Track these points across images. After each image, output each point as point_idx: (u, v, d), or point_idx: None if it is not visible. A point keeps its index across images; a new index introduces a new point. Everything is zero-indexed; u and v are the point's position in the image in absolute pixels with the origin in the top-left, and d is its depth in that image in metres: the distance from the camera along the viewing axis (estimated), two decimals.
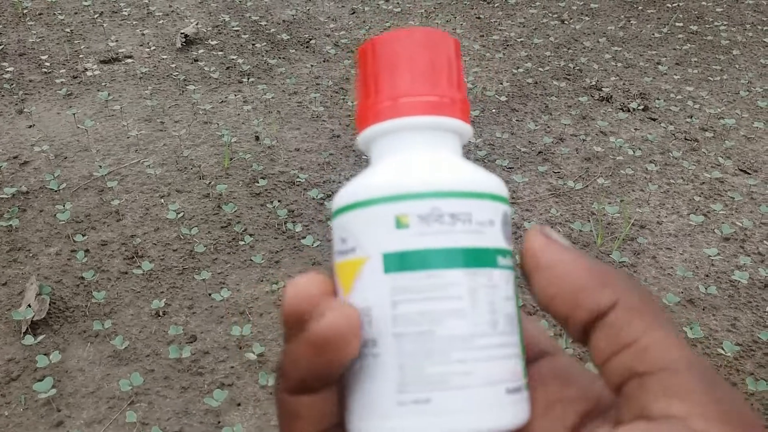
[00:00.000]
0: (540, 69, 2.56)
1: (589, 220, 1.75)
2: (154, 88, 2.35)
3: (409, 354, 0.21)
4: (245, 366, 1.32)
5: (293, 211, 1.75)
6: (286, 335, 0.23)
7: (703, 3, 3.30)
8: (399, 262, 0.22)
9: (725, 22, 3.07)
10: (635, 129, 2.18)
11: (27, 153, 1.97)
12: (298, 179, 1.87)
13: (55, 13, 2.94)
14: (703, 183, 1.92)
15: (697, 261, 1.63)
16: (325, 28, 2.89)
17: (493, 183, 0.23)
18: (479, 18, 3.05)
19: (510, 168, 1.95)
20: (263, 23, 2.92)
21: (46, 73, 2.43)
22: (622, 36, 2.90)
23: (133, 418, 1.19)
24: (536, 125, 2.18)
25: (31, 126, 2.11)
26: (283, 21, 2.96)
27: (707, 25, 3.04)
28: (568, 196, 1.85)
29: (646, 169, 1.97)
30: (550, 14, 3.12)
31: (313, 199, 1.79)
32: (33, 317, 1.38)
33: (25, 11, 2.94)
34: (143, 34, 2.77)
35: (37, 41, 2.67)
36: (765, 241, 1.70)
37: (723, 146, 2.10)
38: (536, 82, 2.46)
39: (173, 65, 2.51)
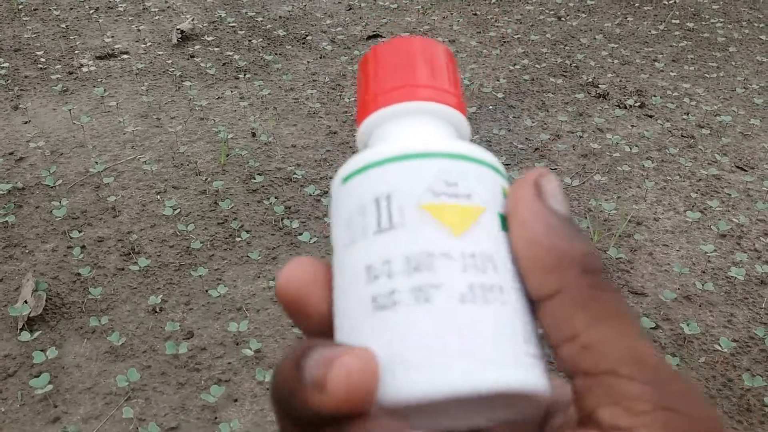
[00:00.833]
0: (537, 66, 2.56)
1: (585, 217, 1.75)
2: (150, 84, 2.34)
3: (525, 311, 0.21)
4: (242, 362, 1.32)
5: (290, 208, 1.75)
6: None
7: (700, 0, 3.31)
8: (503, 225, 0.22)
9: (722, 19, 3.08)
10: (632, 126, 2.19)
11: (23, 149, 1.96)
12: (294, 176, 1.87)
13: (50, 9, 2.93)
14: (700, 180, 1.92)
15: (693, 257, 1.63)
16: (322, 24, 2.88)
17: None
18: (476, 14, 3.05)
19: (507, 165, 1.95)
20: (260, 19, 2.91)
21: (41, 68, 2.42)
22: (618, 33, 2.90)
23: (130, 413, 1.19)
24: (533, 122, 2.18)
25: (26, 122, 2.10)
26: (280, 17, 2.95)
27: (704, 22, 3.04)
28: (564, 192, 1.84)
29: (643, 165, 1.97)
30: (547, 11, 3.12)
31: (310, 195, 1.79)
32: (29, 313, 1.38)
33: (20, 7, 2.93)
34: (139, 30, 2.76)
35: (32, 37, 2.66)
36: (761, 238, 1.70)
37: (719, 143, 2.10)
38: (533, 79, 2.46)
39: (169, 61, 2.50)
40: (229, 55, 2.56)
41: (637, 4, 3.23)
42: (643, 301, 1.49)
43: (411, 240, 0.20)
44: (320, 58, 2.58)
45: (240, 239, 1.63)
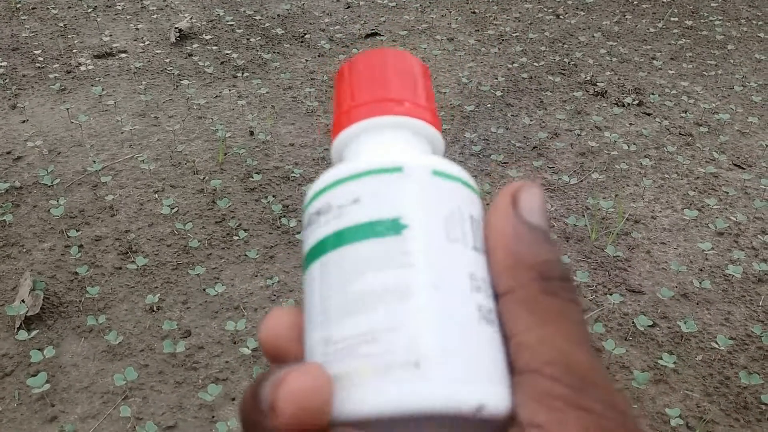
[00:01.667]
0: (535, 64, 2.56)
1: (583, 215, 1.75)
2: (148, 83, 2.34)
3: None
4: (240, 361, 1.32)
5: (288, 206, 1.75)
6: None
7: None
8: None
9: (720, 17, 3.08)
10: (630, 124, 2.19)
11: (20, 148, 1.96)
12: (292, 174, 1.87)
13: (48, 8, 2.92)
14: (698, 178, 1.92)
15: (691, 255, 1.63)
16: (320, 23, 2.88)
17: (364, 161, 0.23)
18: (474, 13, 3.05)
19: (505, 163, 1.95)
20: (258, 18, 2.91)
21: (39, 67, 2.41)
22: (617, 31, 2.90)
23: (128, 412, 1.19)
24: (531, 120, 2.18)
25: (24, 121, 2.10)
26: (278, 15, 2.95)
27: (702, 20, 3.04)
28: (562, 190, 1.85)
29: (641, 163, 1.97)
30: (545, 9, 3.12)
31: None
32: (27, 312, 1.38)
33: (18, 5, 2.92)
34: (137, 29, 2.76)
35: (30, 36, 2.66)
36: (759, 236, 1.70)
37: (717, 141, 2.10)
38: (531, 77, 2.46)
39: (167, 60, 2.50)
40: (227, 54, 2.56)
41: (635, 2, 3.23)
42: (640, 299, 1.49)
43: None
44: (318, 56, 2.58)
45: (238, 238, 1.63)
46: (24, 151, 1.95)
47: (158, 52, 2.57)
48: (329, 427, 0.19)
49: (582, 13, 3.08)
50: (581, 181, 1.90)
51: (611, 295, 1.48)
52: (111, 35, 2.69)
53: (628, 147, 2.04)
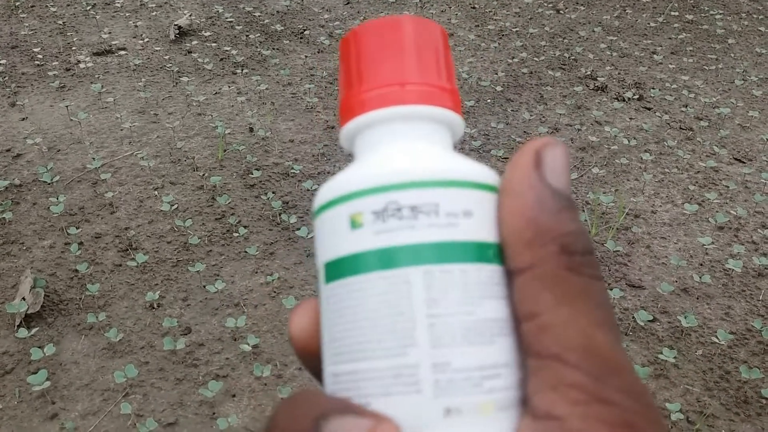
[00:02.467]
0: (535, 59, 2.56)
1: (583, 210, 1.75)
2: (147, 80, 2.34)
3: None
4: (240, 357, 1.32)
5: (288, 203, 1.75)
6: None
7: None
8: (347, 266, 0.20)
9: (721, 11, 3.07)
10: (630, 118, 2.18)
11: (20, 146, 1.96)
12: (292, 170, 1.87)
13: (47, 5, 2.92)
14: (698, 172, 1.92)
15: (691, 250, 1.63)
16: (320, 19, 2.88)
17: (470, 169, 0.21)
18: (474, 8, 3.04)
19: (505, 158, 1.95)
20: (257, 14, 2.91)
21: (38, 65, 2.41)
22: (617, 25, 2.89)
23: (128, 409, 1.19)
24: (531, 115, 2.17)
25: (24, 119, 2.09)
26: (277, 12, 2.95)
27: (703, 14, 3.03)
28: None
29: (641, 158, 1.97)
30: (546, 4, 3.11)
31: (308, 190, 1.79)
32: (27, 310, 1.38)
33: (17, 3, 2.92)
34: (136, 26, 2.76)
35: (29, 33, 2.65)
36: (759, 230, 1.70)
37: (718, 135, 2.10)
38: (531, 72, 2.45)
39: (167, 57, 2.50)
40: (227, 51, 2.56)
41: None
42: (640, 294, 1.49)
43: None
44: (318, 52, 2.58)
45: (238, 234, 1.63)
46: (23, 148, 1.95)
47: (157, 49, 2.56)
48: None
49: (582, 8, 3.07)
50: (581, 175, 1.89)
51: (611, 290, 1.48)
52: (110, 33, 2.69)
53: (629, 141, 2.04)
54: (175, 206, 1.71)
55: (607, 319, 0.19)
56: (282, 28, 2.78)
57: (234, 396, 1.25)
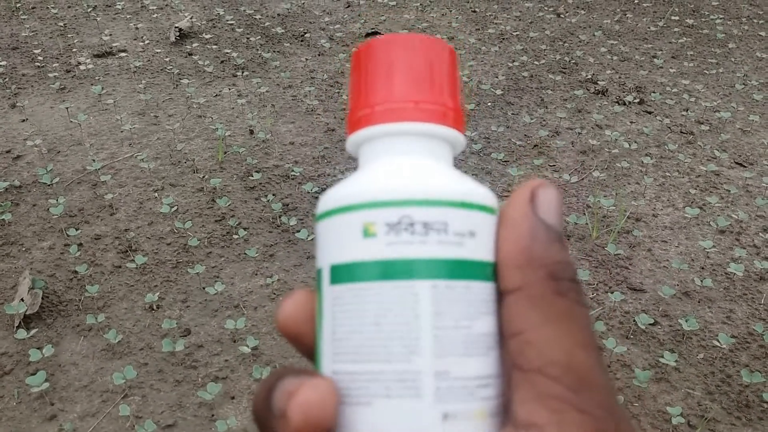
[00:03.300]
0: (536, 62, 2.56)
1: (584, 213, 1.74)
2: (148, 82, 2.33)
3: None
4: (239, 359, 1.32)
5: (288, 205, 1.74)
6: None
7: None
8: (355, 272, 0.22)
9: (721, 16, 3.07)
10: (631, 122, 2.18)
11: (20, 147, 1.96)
12: (292, 173, 1.86)
13: (48, 7, 2.92)
14: (699, 176, 1.92)
15: (692, 253, 1.63)
16: (320, 22, 2.88)
17: (476, 192, 0.22)
18: (475, 11, 3.04)
19: (505, 161, 1.95)
20: (258, 17, 2.91)
21: (39, 67, 2.41)
22: (618, 29, 2.89)
23: (127, 411, 1.18)
24: (532, 118, 2.17)
25: (24, 120, 2.09)
26: (278, 14, 2.95)
27: (703, 19, 3.03)
28: (563, 189, 1.84)
29: (642, 162, 1.97)
30: (546, 8, 3.12)
31: (308, 192, 1.78)
32: (26, 311, 1.37)
33: (18, 5, 2.92)
34: (137, 28, 2.76)
35: (30, 35, 2.65)
36: (760, 234, 1.70)
37: (719, 139, 2.09)
38: (532, 76, 2.45)
39: (167, 59, 2.50)
40: (227, 53, 2.56)
41: (636, 1, 3.23)
42: (641, 297, 1.49)
43: None
44: (318, 55, 2.58)
45: (237, 236, 1.62)
46: (23, 150, 1.94)
47: (158, 51, 2.56)
48: None
49: (583, 12, 3.07)
50: (582, 179, 1.89)
51: (612, 293, 1.48)
52: (111, 34, 2.69)
53: (629, 145, 2.04)
54: (175, 208, 1.71)
55: (590, 341, 0.20)
56: (282, 30, 2.78)
57: (233, 398, 1.24)
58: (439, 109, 0.23)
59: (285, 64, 2.49)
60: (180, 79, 2.35)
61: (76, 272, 1.51)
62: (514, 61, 2.56)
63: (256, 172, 1.86)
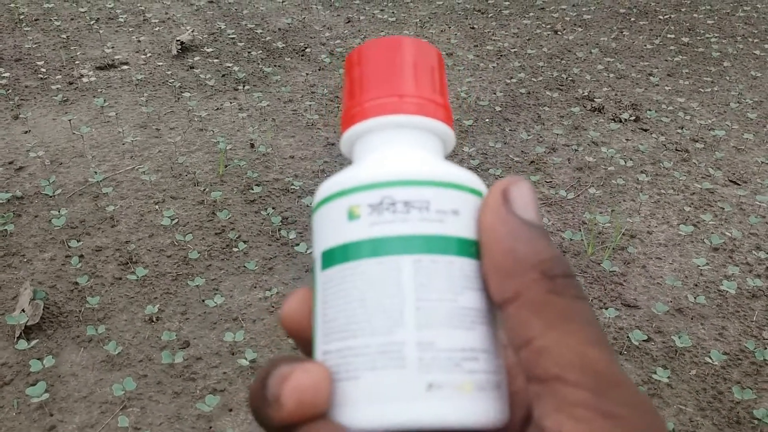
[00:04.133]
0: (533, 79, 2.59)
1: (580, 230, 1.77)
2: (149, 94, 2.36)
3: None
4: (237, 372, 1.33)
5: (287, 218, 1.76)
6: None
7: (695, 15, 3.34)
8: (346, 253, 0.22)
9: (716, 34, 3.11)
10: (627, 139, 2.21)
11: (22, 158, 1.97)
12: (292, 186, 1.88)
13: (51, 19, 2.95)
14: (694, 193, 1.94)
15: (686, 270, 1.65)
16: (321, 37, 2.91)
17: (459, 174, 0.23)
18: (473, 28, 3.08)
19: (502, 177, 1.97)
20: (259, 31, 2.94)
21: (42, 78, 2.44)
22: (614, 47, 2.92)
23: (126, 422, 1.20)
24: (529, 135, 2.20)
25: (26, 132, 2.11)
26: (279, 29, 2.98)
27: (699, 37, 3.07)
28: (559, 205, 1.87)
29: (638, 179, 1.99)
30: (544, 25, 3.15)
31: (308, 206, 1.80)
32: (27, 322, 1.39)
33: (21, 17, 2.95)
34: (139, 41, 2.78)
35: (33, 47, 2.68)
36: (753, 252, 1.72)
37: (713, 157, 2.12)
38: (529, 93, 2.48)
39: (169, 72, 2.52)
40: (229, 67, 2.58)
41: (632, 19, 3.26)
42: (635, 314, 1.51)
43: None
44: (319, 70, 2.61)
45: (237, 249, 1.64)
46: (26, 161, 1.96)
47: (160, 64, 2.59)
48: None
49: (580, 30, 3.11)
50: (578, 195, 1.91)
51: (607, 309, 1.49)
52: (113, 47, 2.72)
53: (625, 162, 2.06)
54: (176, 221, 1.73)
55: (598, 335, 0.20)
56: (283, 45, 2.81)
57: (231, 410, 1.26)
58: (422, 102, 0.24)
59: (286, 79, 2.51)
60: (181, 92, 2.38)
61: (76, 283, 1.52)
62: (511, 77, 2.59)
63: (257, 185, 1.88)
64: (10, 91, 2.34)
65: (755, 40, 3.06)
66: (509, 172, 1.99)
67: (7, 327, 1.41)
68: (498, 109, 2.35)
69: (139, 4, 3.21)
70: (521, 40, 2.96)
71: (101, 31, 2.85)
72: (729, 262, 1.68)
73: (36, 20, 2.94)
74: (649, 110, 2.38)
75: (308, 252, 1.63)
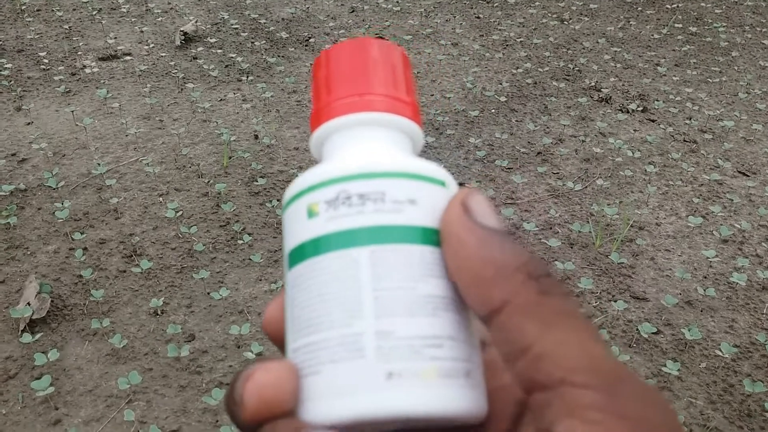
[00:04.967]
0: (539, 69, 2.56)
1: (588, 221, 1.75)
2: (153, 85, 2.34)
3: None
4: (244, 365, 1.32)
5: None
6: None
7: (703, 4, 3.31)
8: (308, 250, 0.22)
9: (724, 24, 3.08)
10: (634, 130, 2.19)
11: (25, 150, 1.96)
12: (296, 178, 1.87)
13: (53, 10, 2.93)
14: (702, 185, 1.92)
15: (695, 263, 1.63)
16: (325, 27, 2.89)
17: (417, 165, 0.23)
18: (479, 17, 3.05)
19: (509, 168, 1.95)
20: (262, 21, 2.92)
21: (44, 69, 2.42)
22: (621, 37, 2.90)
23: (131, 416, 1.19)
24: (535, 126, 2.18)
25: (29, 123, 2.10)
26: (283, 19, 2.96)
27: (706, 27, 3.04)
28: (567, 196, 1.85)
29: (645, 170, 1.97)
30: (550, 14, 3.12)
31: None
32: (32, 315, 1.38)
33: (23, 7, 2.93)
34: (142, 32, 2.77)
35: (35, 38, 2.66)
36: (763, 243, 1.70)
37: (722, 148, 2.10)
38: (536, 83, 2.46)
39: (172, 63, 2.51)
40: (232, 57, 2.56)
41: (639, 8, 3.23)
42: (644, 306, 1.49)
43: None
44: None
45: (242, 242, 1.63)
46: (29, 153, 1.95)
47: (163, 54, 2.57)
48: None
49: (586, 19, 3.08)
50: (586, 187, 1.90)
51: (615, 301, 1.48)
52: (116, 38, 2.70)
53: (633, 153, 2.04)
54: (180, 213, 1.71)
55: (594, 331, 0.19)
56: (287, 35, 2.78)
57: None
58: (386, 100, 0.24)
59: (289, 69, 2.50)
60: (185, 83, 2.36)
61: (81, 276, 1.51)
62: (518, 67, 2.57)
63: (261, 177, 1.86)
64: (12, 82, 2.33)
65: (764, 30, 3.03)
66: (516, 164, 1.97)
67: (11, 320, 1.40)
68: (504, 99, 2.33)
69: None
70: (527, 29, 2.93)
71: (104, 22, 2.84)
72: (738, 254, 1.66)
73: (38, 11, 2.92)
74: (657, 101, 2.36)
75: None
